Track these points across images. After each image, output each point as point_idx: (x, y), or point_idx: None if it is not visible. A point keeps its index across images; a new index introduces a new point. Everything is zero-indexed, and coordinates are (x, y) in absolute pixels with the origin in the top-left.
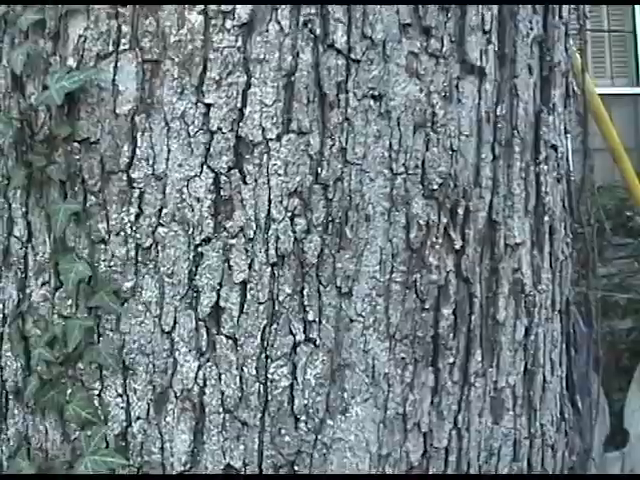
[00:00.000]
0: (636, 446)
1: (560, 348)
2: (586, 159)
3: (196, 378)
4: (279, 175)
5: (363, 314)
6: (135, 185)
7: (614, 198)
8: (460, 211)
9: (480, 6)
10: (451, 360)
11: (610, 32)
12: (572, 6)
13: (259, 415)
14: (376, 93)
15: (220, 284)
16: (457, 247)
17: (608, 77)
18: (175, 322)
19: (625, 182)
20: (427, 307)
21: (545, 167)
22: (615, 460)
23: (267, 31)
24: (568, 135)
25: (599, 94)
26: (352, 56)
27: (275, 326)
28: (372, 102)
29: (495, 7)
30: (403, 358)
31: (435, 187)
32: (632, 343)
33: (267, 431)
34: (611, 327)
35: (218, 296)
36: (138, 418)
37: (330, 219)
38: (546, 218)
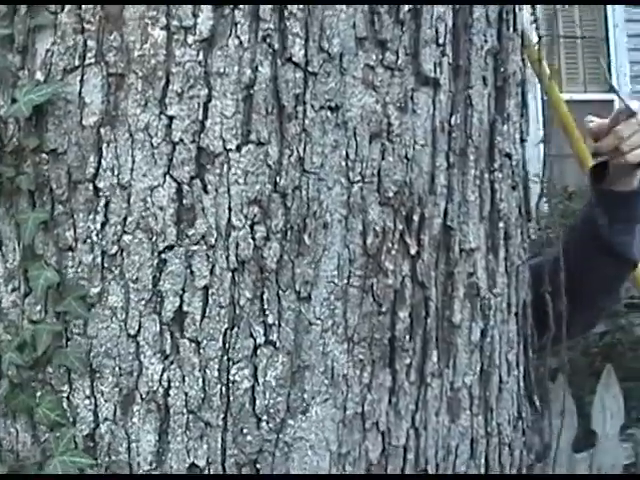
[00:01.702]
0: (604, 446)
1: (517, 349)
2: (545, 166)
3: (161, 380)
4: (239, 184)
5: (322, 317)
6: (101, 194)
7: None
8: (415, 218)
9: (434, 20)
10: (408, 361)
11: (583, 39)
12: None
13: (222, 415)
14: (333, 104)
15: (183, 289)
16: (412, 252)
17: (581, 84)
18: (140, 326)
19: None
20: (384, 310)
21: (500, 175)
22: (583, 460)
23: (227, 46)
24: (525, 143)
25: (572, 100)
26: (309, 69)
27: (236, 329)
28: (329, 113)
29: (449, 20)
30: (361, 360)
31: (391, 195)
32: (605, 347)
33: (230, 431)
34: None
35: (181, 301)
36: (105, 419)
37: (289, 226)
38: (501, 224)
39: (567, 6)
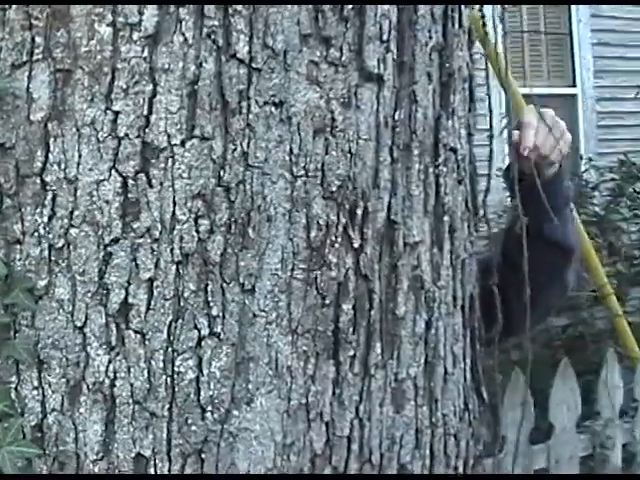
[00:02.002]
0: (561, 438)
1: (464, 342)
2: (491, 161)
3: (107, 371)
4: (183, 178)
5: (266, 310)
6: (48, 188)
7: None
8: (359, 211)
9: (378, 17)
10: (351, 353)
11: (547, 34)
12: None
13: (167, 406)
14: (277, 100)
15: (128, 282)
16: (356, 246)
17: (545, 78)
18: (87, 318)
19: None
20: (327, 303)
21: (444, 169)
22: (540, 452)
23: (172, 42)
24: (472, 138)
25: (536, 94)
26: (253, 65)
27: (181, 321)
28: (273, 109)
29: (394, 17)
30: (305, 351)
31: (334, 189)
32: (567, 340)
33: (175, 421)
34: (546, 324)
35: (126, 293)
36: (53, 410)
37: (233, 220)
38: (446, 218)
39: None
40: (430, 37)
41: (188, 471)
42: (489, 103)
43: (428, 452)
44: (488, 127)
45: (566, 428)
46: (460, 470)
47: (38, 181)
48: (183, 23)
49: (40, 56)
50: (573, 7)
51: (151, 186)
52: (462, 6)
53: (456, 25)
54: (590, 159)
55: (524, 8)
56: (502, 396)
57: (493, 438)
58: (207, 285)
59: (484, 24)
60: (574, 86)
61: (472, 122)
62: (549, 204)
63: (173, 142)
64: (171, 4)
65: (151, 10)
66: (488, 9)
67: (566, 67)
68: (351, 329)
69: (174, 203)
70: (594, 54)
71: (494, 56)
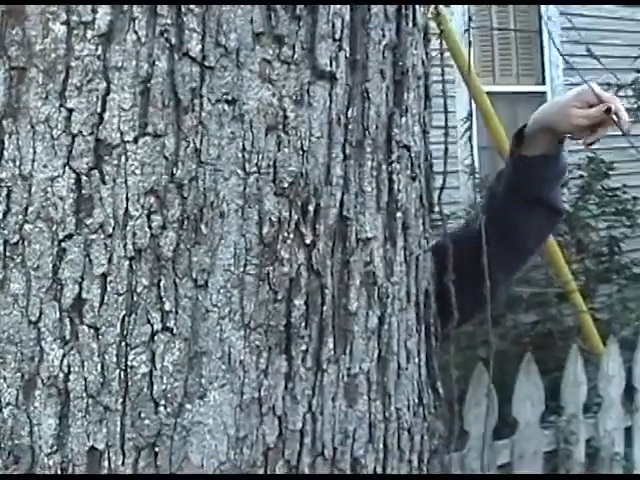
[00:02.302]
0: (525, 433)
1: (418, 337)
2: (446, 155)
3: (61, 365)
4: (136, 175)
5: (219, 305)
6: (3, 185)
7: None
8: (311, 208)
9: (331, 15)
10: (304, 348)
11: (516, 32)
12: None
13: (120, 400)
14: (230, 98)
15: (82, 277)
16: (308, 241)
17: (514, 76)
18: (41, 313)
19: None
20: (280, 298)
21: (398, 166)
22: (504, 447)
23: (125, 41)
24: (427, 135)
25: (506, 92)
26: (206, 64)
27: (134, 316)
28: (226, 106)
29: (347, 16)
30: (258, 346)
31: (286, 185)
32: (536, 336)
33: (128, 415)
34: (515, 321)
35: (80, 288)
36: (8, 404)
37: (185, 216)
38: (399, 214)
39: None
40: (383, 35)
41: (141, 464)
42: (444, 101)
43: (381, 446)
44: (453, 125)
45: (530, 423)
46: (415, 464)
47: None
48: (136, 22)
49: None
50: (542, 5)
51: (104, 182)
52: (416, 5)
53: (410, 23)
54: None
55: (494, 6)
56: (461, 392)
57: (450, 433)
58: (160, 280)
59: (439, 23)
60: (543, 84)
61: (427, 120)
62: (555, 171)
63: (126, 139)
64: (124, 3)
65: (104, 9)
66: (458, 7)
67: (535, 65)
68: (303, 324)
69: (127, 199)
70: (563, 52)
71: (459, 53)
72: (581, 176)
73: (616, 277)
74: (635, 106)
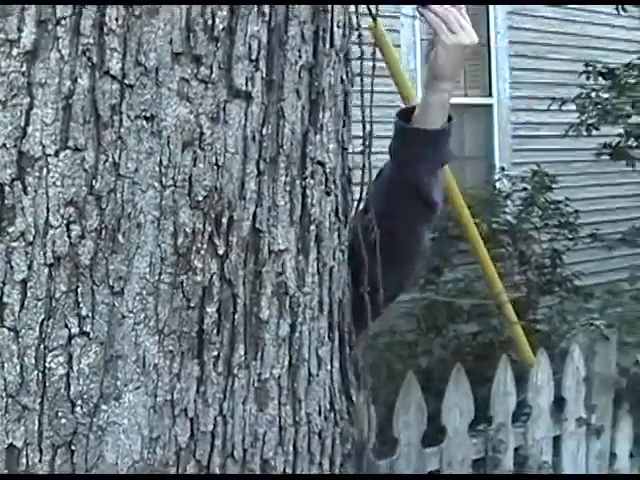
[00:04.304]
0: (453, 441)
1: (332, 345)
2: (364, 170)
3: None
4: (56, 186)
5: (134, 311)
6: None
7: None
8: (224, 220)
9: (248, 37)
10: (215, 353)
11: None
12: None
13: (38, 400)
14: (148, 114)
15: (3, 282)
16: (221, 252)
17: (462, 88)
18: None
19: None
20: (192, 305)
21: (312, 181)
22: (433, 455)
23: (49, 58)
24: (345, 151)
25: (453, 104)
26: (126, 82)
27: (52, 320)
28: (145, 122)
29: (264, 37)
30: (171, 351)
31: (201, 199)
32: (477, 346)
33: (46, 414)
34: (457, 331)
35: (2, 293)
36: None
37: (103, 226)
38: (312, 227)
39: None
40: (300, 56)
41: (58, 462)
42: (362, 117)
43: (291, 448)
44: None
45: (458, 431)
46: (326, 467)
47: None
48: (60, 40)
49: None
50: (491, 18)
51: (26, 193)
52: (334, 27)
53: (327, 45)
54: (503, 168)
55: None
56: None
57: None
58: (77, 287)
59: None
60: (490, 96)
61: (346, 136)
62: (434, 157)
63: (48, 152)
64: (48, 22)
65: (30, 27)
66: (408, 19)
67: (483, 77)
68: (215, 331)
69: (47, 209)
70: (511, 65)
71: (397, 67)
72: (524, 189)
73: (558, 289)
74: (578, 121)
